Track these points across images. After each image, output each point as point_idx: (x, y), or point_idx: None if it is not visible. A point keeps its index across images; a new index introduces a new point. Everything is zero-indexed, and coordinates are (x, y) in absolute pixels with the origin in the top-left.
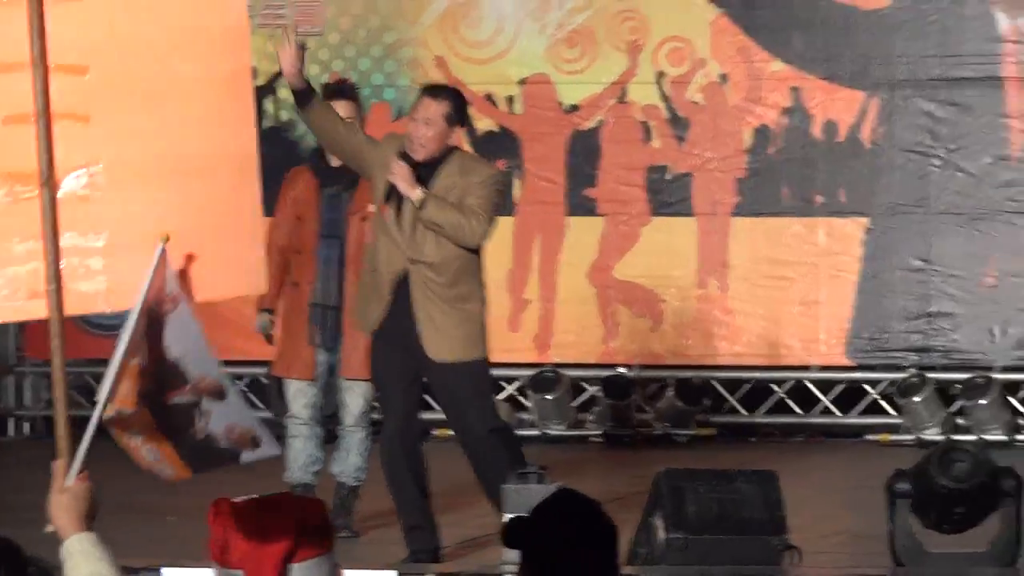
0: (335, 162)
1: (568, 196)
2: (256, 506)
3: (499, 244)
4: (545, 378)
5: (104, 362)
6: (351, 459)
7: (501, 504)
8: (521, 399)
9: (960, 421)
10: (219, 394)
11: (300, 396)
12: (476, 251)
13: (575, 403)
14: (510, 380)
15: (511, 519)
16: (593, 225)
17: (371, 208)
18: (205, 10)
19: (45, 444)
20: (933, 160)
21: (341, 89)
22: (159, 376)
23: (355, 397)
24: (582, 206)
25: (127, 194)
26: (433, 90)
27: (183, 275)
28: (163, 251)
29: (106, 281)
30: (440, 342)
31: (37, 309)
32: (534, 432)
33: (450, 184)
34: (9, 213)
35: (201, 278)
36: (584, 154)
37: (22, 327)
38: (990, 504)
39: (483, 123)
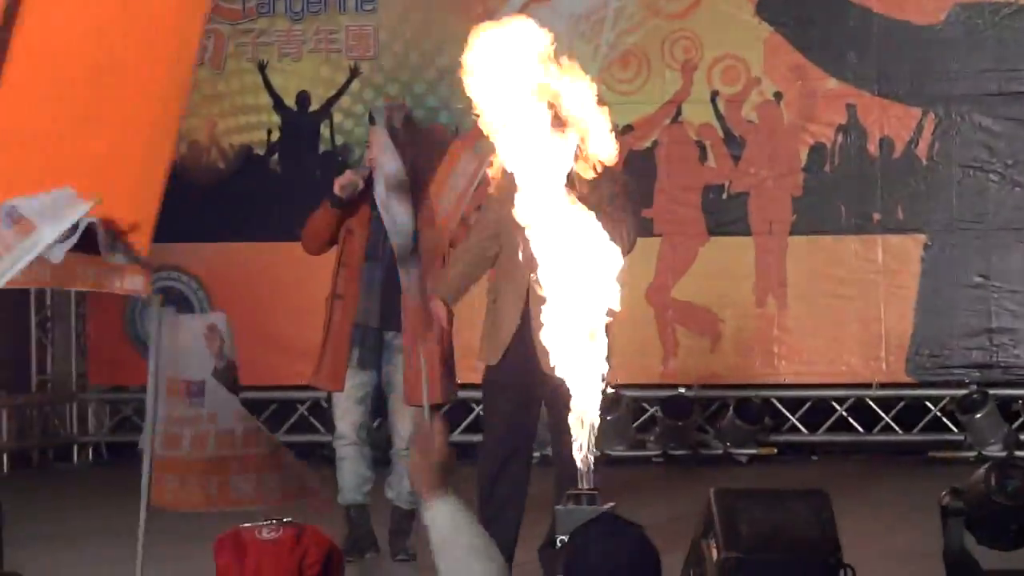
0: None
1: None
2: (256, 547)
3: None
4: (605, 399)
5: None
6: (404, 483)
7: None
8: None
9: (1023, 437)
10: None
11: (347, 416)
12: None
13: (635, 424)
14: None
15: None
16: (650, 246)
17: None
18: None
19: (108, 470)
20: (991, 175)
21: (372, 117)
22: None
23: (405, 420)
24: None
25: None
26: None
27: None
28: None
29: None
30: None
31: None
32: (594, 453)
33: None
34: None
35: None
36: (640, 174)
37: (85, 355)
38: None
39: None
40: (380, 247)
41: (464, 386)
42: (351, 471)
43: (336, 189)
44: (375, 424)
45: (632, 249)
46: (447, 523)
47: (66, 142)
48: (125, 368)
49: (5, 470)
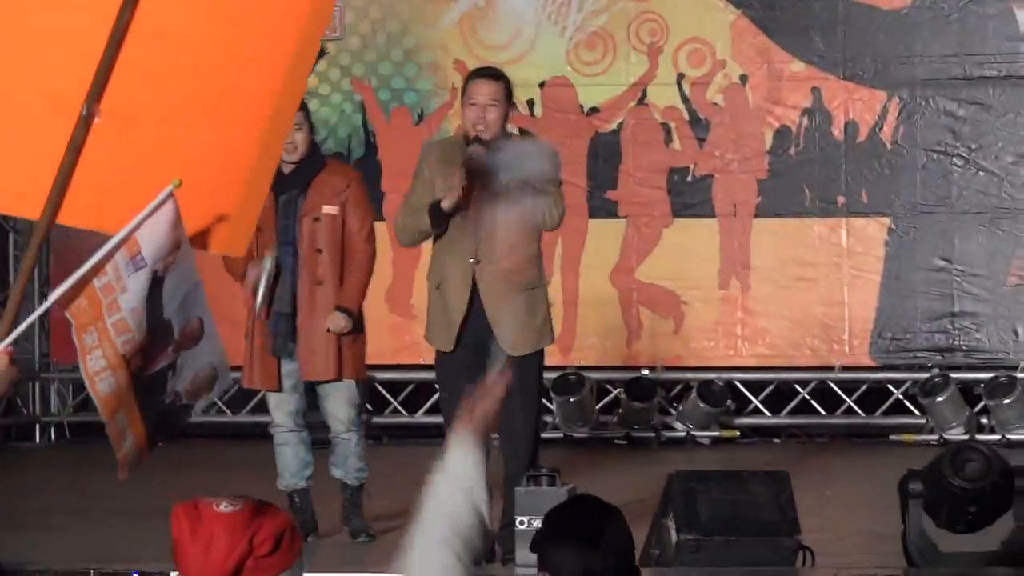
0: (287, 168)
1: (589, 199)
2: (211, 517)
3: None
4: (568, 381)
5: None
6: (350, 463)
7: (512, 505)
8: (544, 401)
9: (984, 421)
10: (196, 339)
11: (282, 405)
12: (538, 241)
13: (598, 405)
14: None
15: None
16: (615, 228)
17: (325, 209)
18: None
19: (70, 450)
20: (955, 159)
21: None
22: (151, 347)
23: (338, 403)
24: (603, 208)
25: (153, 142)
26: (489, 71)
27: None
28: (171, 195)
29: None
30: (514, 336)
31: (34, 208)
32: (557, 434)
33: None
34: (44, 124)
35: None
36: (605, 156)
37: (48, 334)
38: (1003, 504)
39: None
40: (292, 231)
41: (427, 367)
42: (292, 456)
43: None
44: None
45: (560, 221)
46: (461, 471)
47: (174, 127)
48: None
49: None
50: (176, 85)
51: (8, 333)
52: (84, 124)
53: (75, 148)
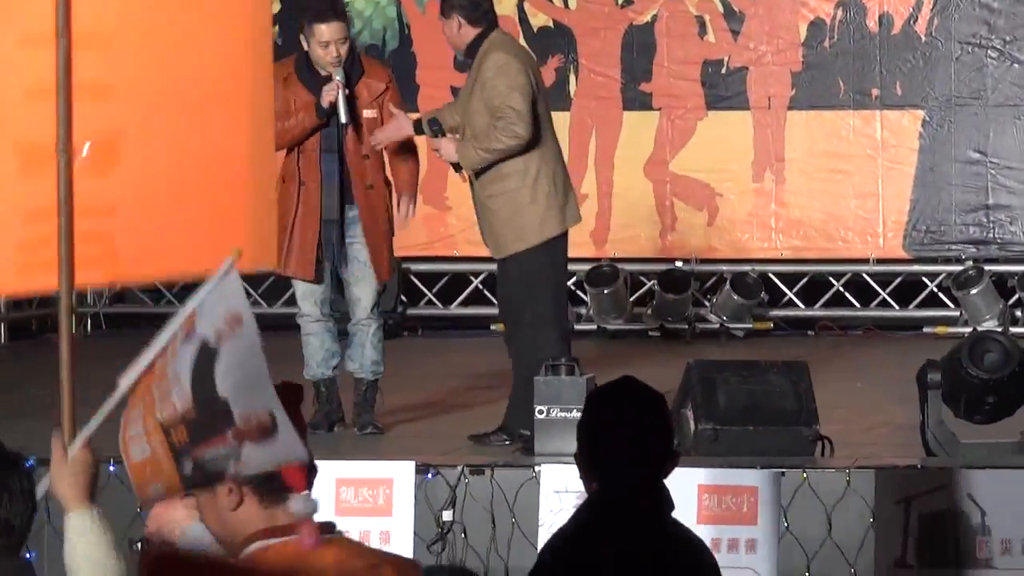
0: (325, 72)
1: (624, 91)
2: None
3: None
4: (602, 272)
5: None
6: (366, 353)
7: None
8: (579, 293)
9: (1018, 313)
10: (266, 432)
11: (308, 296)
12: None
13: (632, 298)
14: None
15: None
16: (649, 120)
17: (366, 114)
18: None
19: (106, 342)
20: (989, 52)
21: (334, 10)
22: (200, 424)
23: (365, 288)
24: (638, 101)
25: (145, 165)
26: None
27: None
28: (231, 265)
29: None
30: (494, 240)
31: (47, 280)
32: (591, 326)
33: (473, 77)
34: (23, 184)
35: (205, 249)
36: (639, 49)
37: None
38: (1022, 394)
39: (538, 19)
40: (334, 137)
41: (461, 259)
42: (318, 346)
43: (324, 102)
44: None
45: (526, 137)
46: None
47: (159, 145)
48: None
49: (4, 340)
50: (144, 99)
51: (73, 433)
52: (66, 169)
53: (66, 199)
